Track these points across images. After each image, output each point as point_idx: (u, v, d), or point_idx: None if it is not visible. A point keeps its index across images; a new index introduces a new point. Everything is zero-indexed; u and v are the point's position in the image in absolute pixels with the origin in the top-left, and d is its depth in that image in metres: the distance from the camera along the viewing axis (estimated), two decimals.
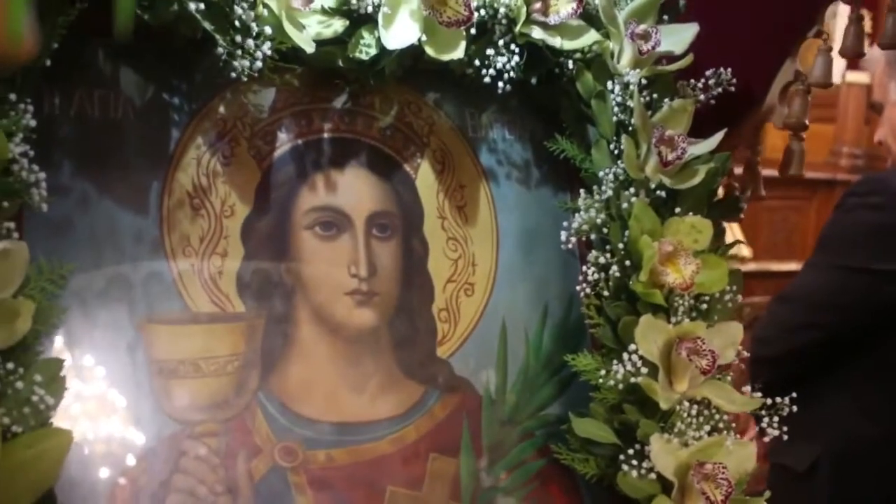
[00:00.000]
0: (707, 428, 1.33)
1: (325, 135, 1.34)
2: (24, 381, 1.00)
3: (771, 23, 1.65)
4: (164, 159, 1.23)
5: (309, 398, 1.27)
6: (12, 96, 1.04)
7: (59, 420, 1.04)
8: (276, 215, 1.29)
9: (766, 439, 1.36)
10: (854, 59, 1.62)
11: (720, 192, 1.72)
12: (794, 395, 2.13)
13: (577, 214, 1.40)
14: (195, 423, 1.19)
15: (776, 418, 1.35)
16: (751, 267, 4.44)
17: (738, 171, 1.87)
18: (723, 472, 1.29)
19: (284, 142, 1.31)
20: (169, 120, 1.24)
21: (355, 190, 1.34)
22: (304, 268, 1.30)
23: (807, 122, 1.70)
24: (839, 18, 1.73)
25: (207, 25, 1.16)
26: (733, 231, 4.35)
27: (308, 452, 1.25)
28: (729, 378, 1.40)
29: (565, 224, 1.41)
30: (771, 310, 2.53)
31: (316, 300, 1.29)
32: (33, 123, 1.07)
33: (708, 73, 1.48)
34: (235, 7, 1.17)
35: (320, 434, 1.26)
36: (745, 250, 4.31)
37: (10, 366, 1.00)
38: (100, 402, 1.14)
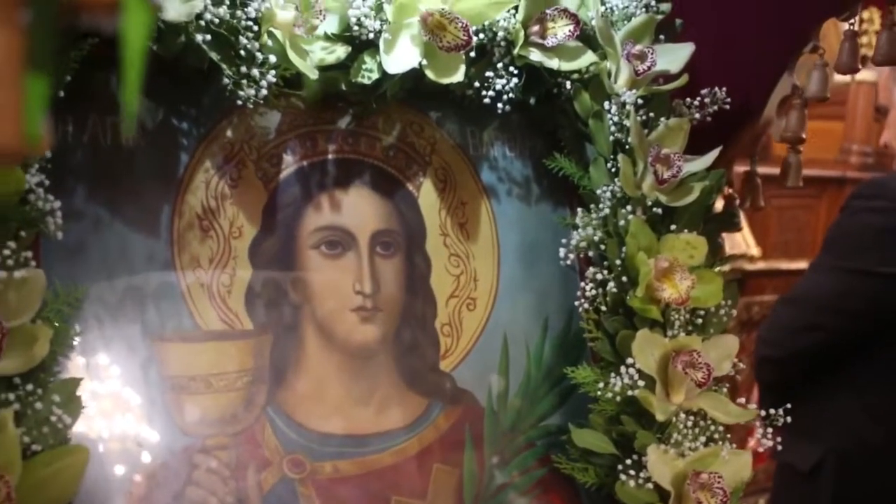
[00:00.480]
0: (703, 439, 1.36)
1: (330, 156, 1.38)
2: (42, 401, 1.05)
3: (768, 38, 1.68)
4: (174, 183, 1.28)
5: (316, 412, 1.31)
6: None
7: (78, 434, 1.09)
8: (282, 235, 1.33)
9: (761, 450, 1.40)
10: (848, 73, 1.64)
11: (720, 202, 1.76)
12: (799, 395, 2.16)
13: (575, 231, 1.44)
14: (206, 437, 1.24)
15: (770, 429, 1.38)
16: (760, 266, 4.46)
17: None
18: (719, 482, 1.33)
19: (290, 164, 1.35)
20: (178, 145, 1.29)
21: (359, 209, 1.38)
22: (311, 285, 1.34)
23: (804, 135, 1.73)
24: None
25: (214, 56, 1.20)
26: (742, 231, 4.37)
27: (315, 464, 1.29)
28: (725, 389, 1.43)
29: (564, 241, 1.45)
30: (776, 311, 2.56)
31: (322, 317, 1.34)
32: (48, 153, 1.12)
33: (704, 91, 1.51)
34: (241, 37, 1.22)
35: (327, 446, 1.31)
36: (753, 249, 4.32)
37: (30, 387, 1.05)
38: (114, 418, 1.19)
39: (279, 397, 1.29)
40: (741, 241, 4.33)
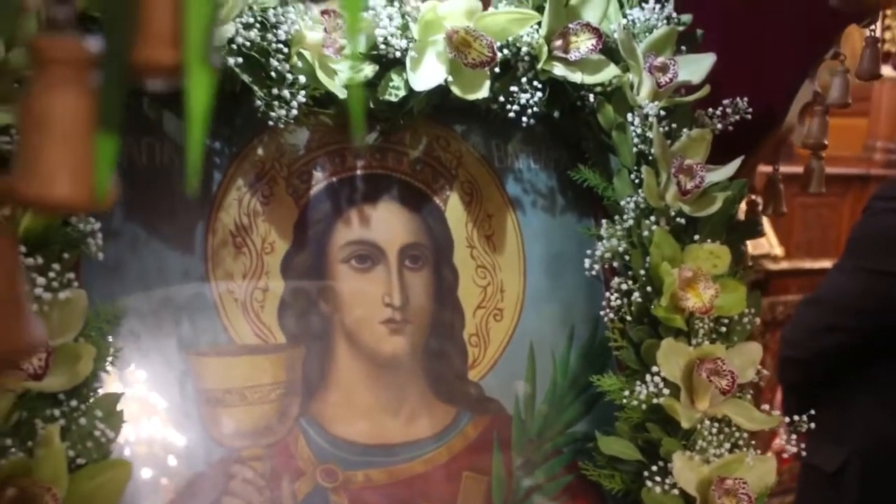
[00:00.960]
0: (728, 445, 1.38)
1: (358, 172, 1.42)
2: (86, 416, 1.09)
3: (789, 46, 1.70)
4: (208, 201, 1.31)
5: (347, 422, 1.34)
6: None
7: (118, 447, 1.13)
8: (313, 250, 1.37)
9: (786, 456, 1.42)
10: (870, 79, 1.65)
11: (742, 208, 1.78)
12: (822, 396, 2.16)
13: (600, 242, 1.46)
14: (241, 448, 1.27)
15: (794, 435, 1.39)
16: (783, 265, 4.46)
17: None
18: (743, 487, 1.35)
19: (319, 180, 1.39)
20: (211, 163, 1.32)
21: (388, 223, 1.41)
22: (341, 299, 1.37)
23: (826, 141, 1.75)
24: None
25: (246, 78, 1.24)
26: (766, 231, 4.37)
27: (347, 473, 1.33)
28: (749, 396, 1.45)
29: (589, 252, 1.47)
30: (799, 312, 2.57)
31: (352, 329, 1.37)
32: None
33: (725, 101, 1.53)
34: (271, 59, 1.25)
35: (359, 455, 1.34)
36: (776, 249, 4.32)
37: (74, 403, 1.09)
38: (152, 431, 1.23)
39: (312, 408, 1.33)
40: (764, 241, 4.33)
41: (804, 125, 1.77)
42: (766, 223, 4.52)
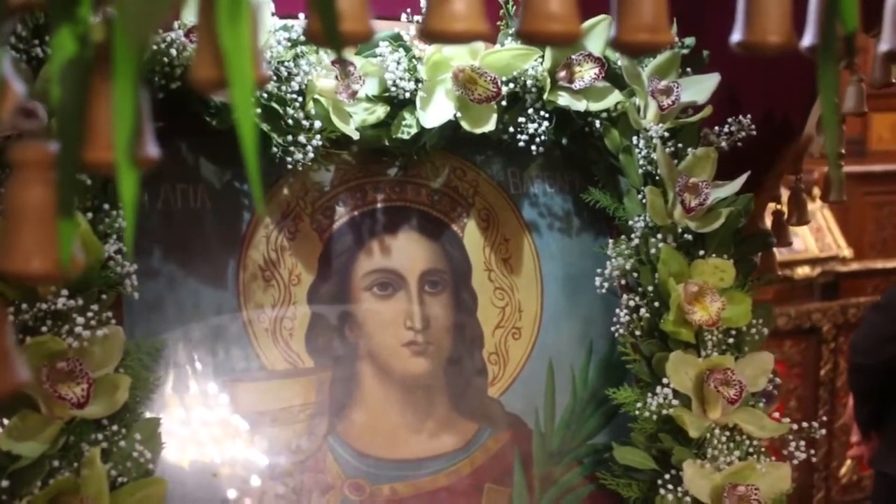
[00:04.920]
0: (738, 453, 1.44)
1: (378, 205, 1.52)
2: (126, 439, 1.21)
3: (804, 57, 1.73)
4: (238, 240, 1.43)
5: (373, 439, 1.45)
6: (106, 206, 1.26)
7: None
8: (337, 280, 1.47)
9: (795, 462, 1.46)
10: (882, 87, 1.68)
11: (769, 219, 1.82)
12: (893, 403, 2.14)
13: (608, 261, 1.53)
14: (274, 466, 1.39)
15: (803, 442, 1.44)
16: (854, 266, 4.39)
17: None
18: (755, 494, 1.40)
19: (342, 214, 1.49)
20: (240, 205, 1.44)
21: (408, 252, 1.51)
22: (365, 324, 1.48)
23: (843, 150, 1.78)
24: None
25: (264, 127, 1.35)
26: (832, 232, 4.32)
27: (374, 487, 1.43)
28: (762, 404, 1.50)
29: (599, 270, 1.54)
30: (867, 318, 2.57)
31: (376, 352, 1.47)
32: (124, 224, 1.28)
33: (729, 120, 1.58)
34: (287, 108, 1.36)
35: (385, 470, 1.44)
36: (845, 251, 4.26)
37: (115, 428, 1.22)
38: (193, 451, 1.35)
39: (339, 427, 1.43)
40: (832, 243, 4.27)
41: (821, 135, 1.80)
42: (833, 224, 4.45)
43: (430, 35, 0.61)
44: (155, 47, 1.28)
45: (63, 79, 0.55)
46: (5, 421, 1.18)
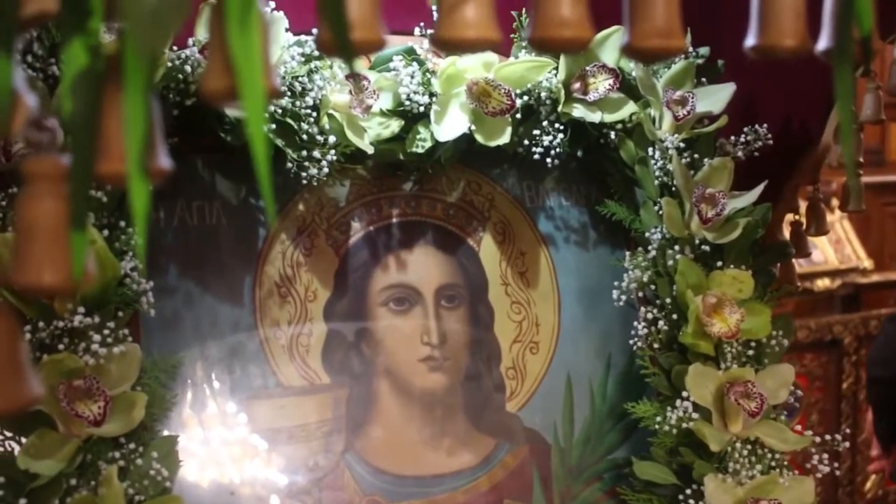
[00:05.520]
0: (760, 467, 1.42)
1: (394, 220, 1.51)
2: (143, 458, 1.21)
3: (821, 65, 1.72)
4: (254, 256, 1.43)
5: (390, 456, 1.44)
6: (122, 223, 1.26)
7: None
8: (353, 296, 1.47)
9: (819, 475, 1.43)
10: None
11: (787, 230, 1.81)
12: None
13: (625, 273, 1.52)
14: (292, 484, 1.38)
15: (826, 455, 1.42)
16: (874, 278, 4.35)
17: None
18: None
19: (357, 230, 1.49)
20: (256, 221, 1.44)
21: (424, 267, 1.51)
22: (381, 340, 1.47)
23: (861, 159, 1.76)
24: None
25: (279, 142, 1.35)
26: (852, 243, 4.29)
27: None
28: (784, 417, 1.48)
29: (616, 283, 1.53)
30: (884, 329, 2.54)
31: (393, 368, 1.47)
32: (142, 241, 1.28)
33: (745, 129, 1.57)
34: (302, 123, 1.36)
35: (402, 487, 1.43)
36: (865, 262, 4.23)
37: (132, 446, 1.21)
38: (210, 469, 1.34)
39: (356, 444, 1.42)
40: (851, 255, 4.24)
41: (839, 144, 1.79)
42: (852, 235, 4.42)
43: (441, 43, 0.61)
44: (170, 64, 1.28)
45: (75, 91, 0.55)
46: (23, 439, 1.18)
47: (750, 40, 0.68)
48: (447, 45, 0.61)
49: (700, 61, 1.58)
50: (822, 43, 0.70)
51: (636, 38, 0.63)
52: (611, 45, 1.52)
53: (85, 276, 0.58)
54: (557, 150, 1.52)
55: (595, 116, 1.52)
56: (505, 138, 1.47)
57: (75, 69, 0.55)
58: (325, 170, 1.38)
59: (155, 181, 0.56)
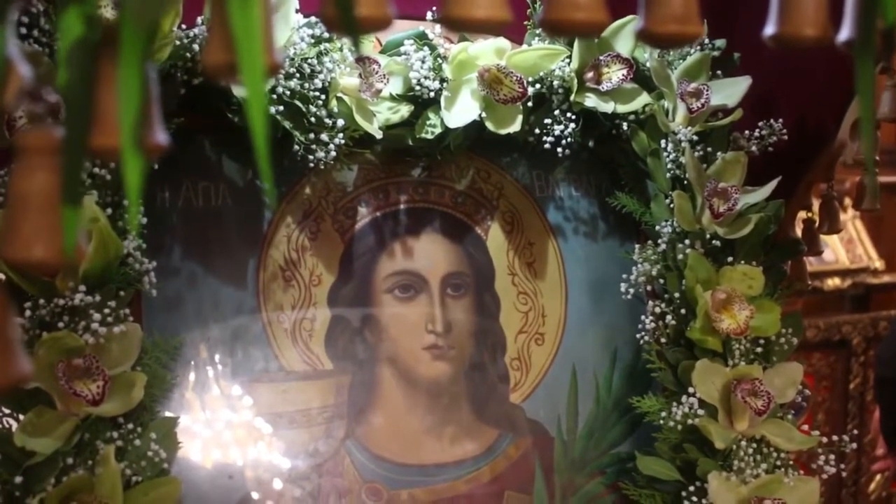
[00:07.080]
0: (765, 466, 1.40)
1: (401, 206, 1.50)
2: (141, 438, 1.20)
3: (838, 62, 1.70)
4: (259, 239, 1.42)
5: (392, 444, 1.42)
6: (126, 202, 1.24)
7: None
8: (358, 282, 1.45)
9: (825, 476, 1.42)
10: None
11: (799, 228, 1.78)
12: None
13: (634, 266, 1.50)
14: (291, 468, 1.37)
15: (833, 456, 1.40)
16: (885, 279, 4.31)
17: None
18: None
19: (364, 215, 1.47)
20: (262, 204, 1.43)
21: (430, 254, 1.49)
22: (386, 327, 1.45)
23: (877, 157, 1.74)
24: None
25: (287, 124, 1.33)
26: (863, 243, 4.25)
27: (392, 492, 1.40)
28: (790, 416, 1.46)
29: (625, 276, 1.51)
30: (893, 329, 2.52)
31: (397, 356, 1.45)
32: (144, 220, 1.27)
33: (760, 123, 1.55)
34: (310, 106, 1.34)
35: (403, 475, 1.42)
36: (876, 262, 4.20)
37: (130, 426, 1.20)
38: (209, 452, 1.33)
39: (358, 431, 1.41)
40: (863, 254, 4.21)
41: (855, 142, 1.76)
42: (864, 236, 4.38)
43: (449, 22, 0.59)
44: (178, 42, 1.27)
45: (69, 61, 0.53)
46: (20, 417, 1.17)
47: (769, 29, 0.66)
48: (455, 24, 0.59)
49: (716, 53, 1.56)
50: (844, 33, 0.68)
51: (652, 23, 0.61)
52: (625, 34, 1.50)
53: (77, 251, 0.56)
54: (569, 139, 1.50)
55: (608, 107, 1.50)
56: (516, 126, 1.45)
57: (71, 39, 0.54)
58: (333, 153, 1.36)
59: (150, 156, 0.55)
